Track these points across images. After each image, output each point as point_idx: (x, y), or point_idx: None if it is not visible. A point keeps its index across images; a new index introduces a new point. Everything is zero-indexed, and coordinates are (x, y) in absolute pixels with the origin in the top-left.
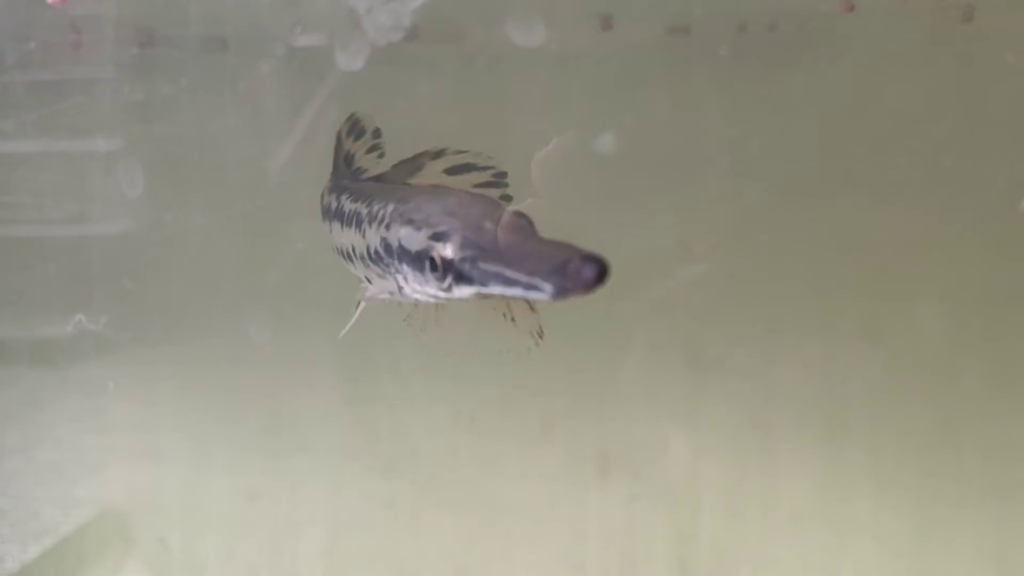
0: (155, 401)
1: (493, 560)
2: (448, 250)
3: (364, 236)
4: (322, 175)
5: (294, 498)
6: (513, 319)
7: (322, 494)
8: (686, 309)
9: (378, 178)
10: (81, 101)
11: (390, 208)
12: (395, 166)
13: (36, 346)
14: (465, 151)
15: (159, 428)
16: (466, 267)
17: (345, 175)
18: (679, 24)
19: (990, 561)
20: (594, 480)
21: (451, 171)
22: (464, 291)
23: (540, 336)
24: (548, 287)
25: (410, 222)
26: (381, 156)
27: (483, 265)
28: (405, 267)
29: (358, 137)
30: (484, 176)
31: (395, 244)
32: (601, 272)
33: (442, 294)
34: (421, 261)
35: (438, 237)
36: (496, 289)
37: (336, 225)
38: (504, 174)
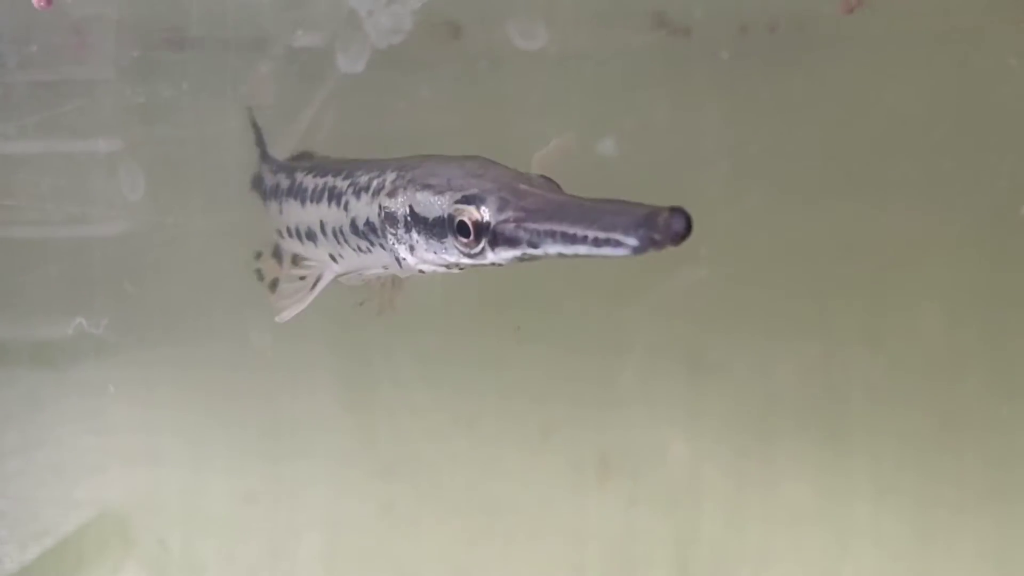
0: (155, 403)
1: (492, 565)
2: (485, 213)
3: (346, 209)
4: None
5: (294, 501)
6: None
7: (321, 498)
8: (685, 313)
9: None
10: (82, 103)
11: (391, 176)
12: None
13: (36, 347)
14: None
15: (159, 430)
16: (509, 228)
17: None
18: (679, 25)
19: (990, 565)
20: (593, 485)
21: None
22: (503, 255)
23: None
24: (633, 241)
25: (428, 187)
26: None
27: (533, 225)
28: (415, 236)
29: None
30: None
31: (402, 212)
32: (689, 224)
33: (467, 261)
34: (441, 227)
35: (470, 200)
36: (554, 249)
37: (292, 204)
38: None
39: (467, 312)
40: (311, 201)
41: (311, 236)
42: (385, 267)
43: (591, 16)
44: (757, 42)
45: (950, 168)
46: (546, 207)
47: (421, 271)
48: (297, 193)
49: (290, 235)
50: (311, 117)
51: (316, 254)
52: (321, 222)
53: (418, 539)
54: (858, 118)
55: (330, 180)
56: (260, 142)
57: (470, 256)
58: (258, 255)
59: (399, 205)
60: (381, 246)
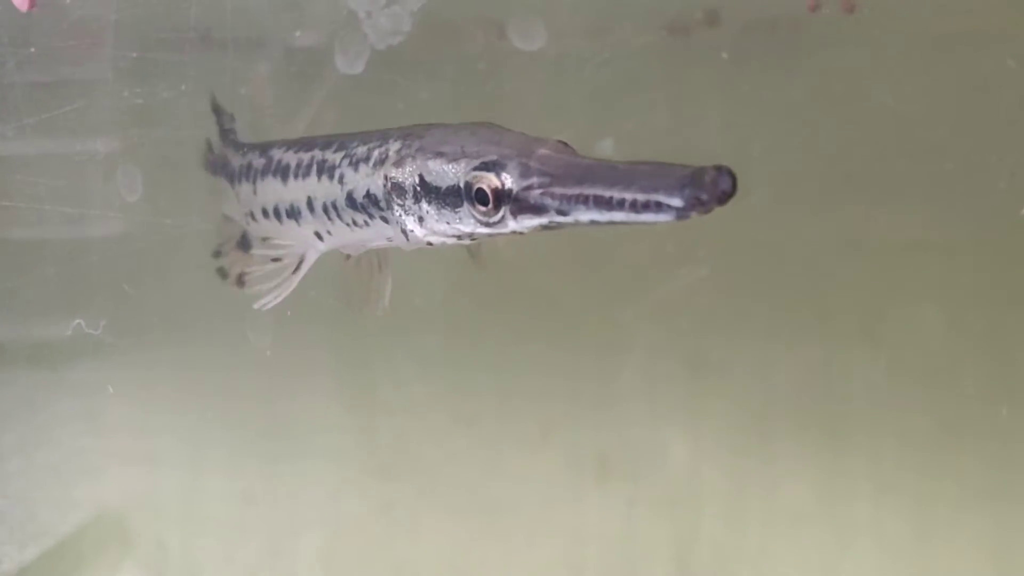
0: (154, 404)
1: (491, 564)
2: (507, 180)
3: (341, 182)
4: None
5: (292, 502)
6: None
7: (320, 498)
8: (686, 313)
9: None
10: (81, 105)
11: (395, 145)
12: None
13: (35, 348)
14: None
15: (158, 431)
16: (535, 196)
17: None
18: (679, 25)
19: (990, 564)
20: (593, 484)
21: None
22: (526, 223)
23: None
24: (677, 202)
25: (440, 155)
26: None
27: (561, 190)
28: (425, 206)
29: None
30: None
31: (411, 182)
32: (735, 183)
33: (484, 230)
34: (456, 196)
35: (488, 167)
36: (587, 216)
37: (270, 182)
38: None
39: (467, 312)
40: (296, 177)
41: (294, 214)
42: (389, 240)
43: (591, 17)
44: (757, 42)
45: (950, 168)
46: (574, 171)
47: (429, 243)
48: (277, 170)
49: (266, 216)
50: (310, 116)
51: (297, 234)
52: (309, 198)
53: (417, 539)
54: (858, 118)
55: (318, 154)
56: (224, 125)
57: (488, 225)
58: (217, 253)
59: (407, 175)
60: (383, 219)
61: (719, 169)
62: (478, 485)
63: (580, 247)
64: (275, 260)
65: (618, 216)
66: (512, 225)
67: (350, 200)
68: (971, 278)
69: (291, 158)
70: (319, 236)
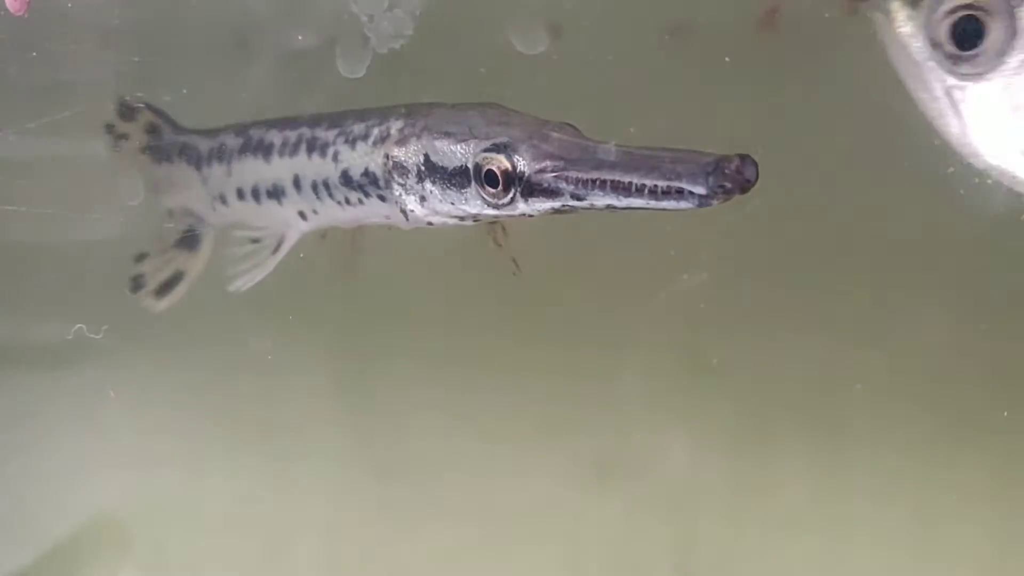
0: (153, 407)
1: (491, 566)
2: (519, 162)
3: (336, 159)
4: None
5: (291, 504)
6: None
7: (319, 500)
8: (685, 313)
9: None
10: (83, 108)
11: (397, 124)
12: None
13: (35, 351)
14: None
15: (157, 433)
16: (548, 179)
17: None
18: (680, 26)
19: (990, 564)
20: (593, 486)
21: None
22: (537, 205)
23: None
24: (701, 189)
25: (447, 135)
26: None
27: (576, 174)
28: (428, 186)
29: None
30: None
31: (415, 161)
32: (758, 172)
33: (490, 212)
34: (462, 177)
35: (499, 148)
36: (603, 200)
37: (249, 162)
38: None
39: (467, 312)
40: (282, 155)
41: (275, 194)
42: (386, 218)
43: (593, 19)
44: (757, 42)
45: (952, 169)
46: (590, 156)
47: (430, 223)
48: (258, 149)
49: (240, 198)
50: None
51: (277, 215)
52: (296, 176)
53: (417, 539)
54: (859, 118)
55: (307, 131)
56: (167, 119)
57: (496, 207)
58: (141, 257)
59: (411, 154)
60: (380, 197)
61: (743, 157)
62: (478, 486)
63: (580, 247)
64: (254, 241)
65: (637, 202)
66: (522, 207)
67: (345, 178)
68: (973, 278)
69: (275, 136)
70: (303, 216)
